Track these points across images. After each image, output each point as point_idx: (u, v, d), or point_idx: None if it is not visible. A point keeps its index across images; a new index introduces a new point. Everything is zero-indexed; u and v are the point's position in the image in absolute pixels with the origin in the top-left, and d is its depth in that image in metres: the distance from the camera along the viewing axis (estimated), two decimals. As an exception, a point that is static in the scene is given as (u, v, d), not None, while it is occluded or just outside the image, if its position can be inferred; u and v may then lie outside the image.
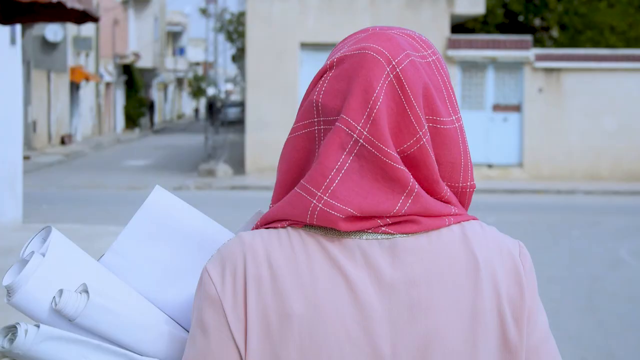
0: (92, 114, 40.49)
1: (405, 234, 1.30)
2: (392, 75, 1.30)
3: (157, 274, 1.47)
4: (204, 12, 39.21)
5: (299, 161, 1.34)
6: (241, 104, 46.95)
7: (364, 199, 1.27)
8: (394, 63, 1.31)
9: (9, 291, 1.36)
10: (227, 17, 39.24)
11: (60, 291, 1.36)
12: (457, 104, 1.37)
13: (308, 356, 1.26)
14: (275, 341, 1.26)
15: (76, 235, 9.34)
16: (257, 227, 1.35)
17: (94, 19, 7.18)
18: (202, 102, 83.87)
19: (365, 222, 1.29)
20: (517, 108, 22.77)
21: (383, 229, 1.29)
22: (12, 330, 1.34)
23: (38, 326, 1.34)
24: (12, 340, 1.34)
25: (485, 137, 22.78)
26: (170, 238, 1.50)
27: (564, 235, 13.44)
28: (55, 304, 1.35)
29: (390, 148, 1.28)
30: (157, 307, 1.45)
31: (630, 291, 9.49)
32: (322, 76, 1.36)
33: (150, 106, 52.14)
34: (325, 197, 1.27)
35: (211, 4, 26.85)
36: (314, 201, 1.27)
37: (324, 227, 1.29)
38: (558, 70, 22.54)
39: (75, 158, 30.33)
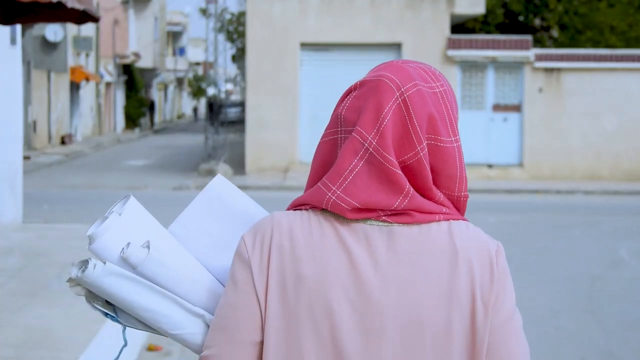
0: (92, 114, 40.49)
1: (401, 223, 1.63)
2: (400, 99, 1.62)
3: (209, 244, 1.84)
4: (204, 12, 39.21)
5: (325, 162, 1.67)
6: (241, 104, 46.95)
7: (369, 196, 1.60)
8: (402, 89, 1.63)
9: (90, 239, 1.73)
10: (227, 17, 39.23)
11: (128, 244, 1.72)
12: (457, 127, 1.69)
13: (314, 310, 1.59)
14: (289, 296, 1.61)
15: (76, 235, 9.34)
16: (288, 209, 1.71)
17: (94, 19, 7.18)
18: (201, 102, 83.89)
19: (369, 213, 1.62)
20: (517, 108, 22.77)
21: (383, 218, 1.62)
22: (84, 264, 1.73)
23: (105, 263, 1.70)
24: (83, 271, 1.71)
25: (485, 137, 22.78)
26: (223, 216, 1.86)
27: (564, 235, 13.44)
28: (123, 253, 1.72)
29: (393, 157, 1.60)
30: (206, 269, 1.81)
31: (631, 291, 9.49)
32: (347, 95, 1.70)
33: (151, 106, 52.13)
34: (338, 192, 1.60)
35: (211, 4, 26.83)
36: (329, 194, 1.61)
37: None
38: (558, 70, 22.54)
39: (76, 158, 30.33)
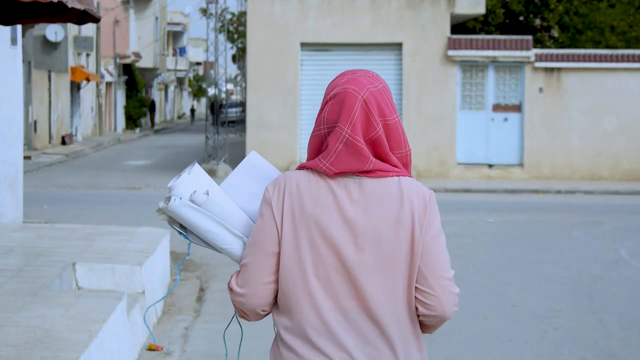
0: (92, 114, 40.49)
1: (368, 177, 2.56)
2: (361, 101, 2.57)
3: (246, 196, 2.78)
4: (204, 12, 39.20)
5: (316, 149, 2.62)
6: (242, 104, 46.93)
7: (345, 166, 2.54)
8: (361, 94, 2.57)
9: (170, 189, 2.70)
10: (228, 17, 39.24)
11: (195, 191, 2.69)
12: (395, 108, 2.61)
13: (311, 231, 2.54)
14: (296, 223, 2.55)
15: (77, 235, 9.35)
16: (297, 169, 2.62)
17: (95, 19, 7.18)
18: (198, 102, 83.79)
19: (347, 173, 2.55)
20: (517, 108, 22.77)
21: (357, 174, 2.56)
22: (168, 199, 2.69)
23: (181, 198, 2.67)
24: (167, 204, 2.68)
25: (485, 137, 22.79)
26: (256, 178, 2.80)
27: (564, 235, 13.45)
28: (191, 197, 2.68)
29: (361, 138, 2.55)
30: (244, 212, 2.76)
31: (631, 291, 9.49)
32: (326, 103, 2.62)
33: (151, 106, 52.11)
34: (327, 164, 2.55)
35: (212, 4, 26.82)
36: (321, 164, 2.56)
37: None
38: (558, 70, 22.55)
39: (76, 158, 30.34)
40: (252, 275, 2.60)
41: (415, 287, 2.58)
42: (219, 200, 2.72)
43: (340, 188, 2.56)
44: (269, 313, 2.66)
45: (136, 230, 9.83)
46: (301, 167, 2.62)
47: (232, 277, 2.68)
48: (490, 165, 22.84)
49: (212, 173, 23.13)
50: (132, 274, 7.57)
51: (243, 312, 2.68)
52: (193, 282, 9.70)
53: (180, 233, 2.76)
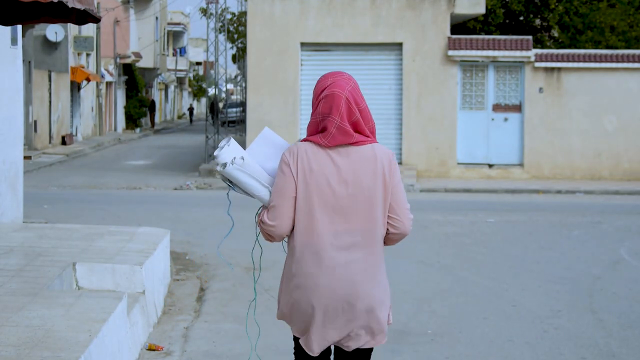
0: (92, 113, 40.48)
1: (352, 146, 3.92)
2: (345, 99, 3.90)
3: (263, 159, 4.08)
4: (204, 12, 39.19)
5: (314, 129, 3.97)
6: (242, 104, 46.94)
7: (339, 141, 3.91)
8: (344, 94, 3.91)
9: (216, 157, 4.02)
10: (228, 17, 39.23)
11: (234, 157, 3.99)
12: (363, 97, 3.97)
13: (318, 183, 3.90)
14: (307, 177, 3.90)
15: (77, 235, 9.35)
16: (302, 141, 3.94)
17: (95, 19, 7.18)
18: (198, 102, 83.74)
19: (339, 145, 3.92)
20: (517, 108, 22.77)
21: (345, 145, 3.92)
22: (224, 165, 4.00)
23: (232, 164, 3.98)
24: (223, 168, 4.01)
25: (485, 137, 22.79)
26: (269, 146, 4.11)
27: (564, 235, 13.45)
28: (233, 161, 3.99)
29: (347, 123, 3.91)
30: (265, 170, 4.04)
31: (631, 291, 9.50)
32: (319, 101, 3.94)
33: (151, 106, 52.10)
34: (325, 141, 3.91)
35: (212, 4, 26.82)
36: (322, 141, 3.92)
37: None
38: (558, 70, 22.55)
39: (76, 158, 30.34)
40: (279, 212, 3.98)
41: (388, 215, 4.02)
42: (251, 162, 4.07)
43: (335, 154, 3.96)
44: (285, 237, 4.05)
45: (136, 230, 9.83)
46: (305, 140, 4.01)
47: (263, 213, 4.03)
48: (490, 165, 22.85)
49: (212, 173, 23.18)
50: (133, 274, 7.58)
51: (271, 237, 4.05)
52: (193, 282, 9.71)
53: (229, 186, 4.13)
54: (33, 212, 14.72)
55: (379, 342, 4.06)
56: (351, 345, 4.04)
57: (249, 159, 4.05)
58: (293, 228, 4.00)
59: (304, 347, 4.06)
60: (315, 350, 4.02)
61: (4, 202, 10.65)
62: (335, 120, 3.91)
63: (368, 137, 3.97)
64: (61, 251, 8.19)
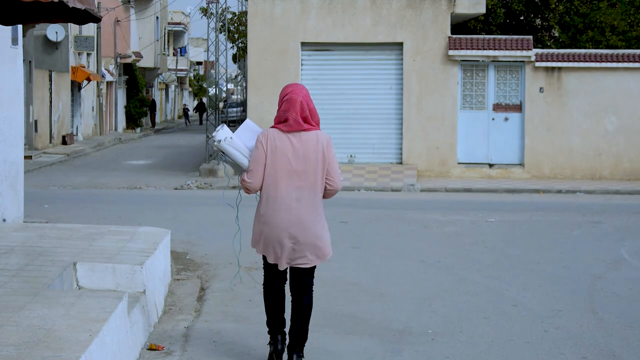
0: (93, 113, 40.48)
1: (303, 131, 6.16)
2: (299, 101, 6.16)
3: (245, 139, 6.33)
4: (205, 11, 39.16)
5: (278, 120, 6.23)
6: (242, 104, 46.93)
7: (295, 128, 6.16)
8: (299, 98, 6.17)
9: (214, 136, 6.34)
10: (229, 16, 39.20)
11: (226, 137, 6.29)
12: (311, 100, 6.26)
13: (281, 154, 6.12)
14: (273, 152, 6.14)
15: (77, 234, 9.35)
16: (271, 128, 6.24)
17: (96, 19, 7.19)
18: (195, 101, 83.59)
19: (294, 131, 6.18)
20: (518, 108, 22.77)
21: (298, 131, 6.17)
22: (219, 141, 6.29)
23: (225, 140, 6.29)
24: (219, 142, 6.29)
25: (486, 137, 22.79)
26: (251, 131, 6.38)
27: (564, 235, 13.45)
28: (226, 139, 6.27)
29: (300, 117, 6.16)
30: (246, 147, 6.29)
31: (631, 290, 9.49)
32: (283, 103, 6.20)
33: (152, 105, 52.08)
34: (286, 129, 6.17)
35: (212, 4, 26.81)
36: (284, 128, 6.18)
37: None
38: (559, 69, 22.55)
39: (77, 158, 30.35)
40: (255, 174, 6.12)
41: (325, 177, 6.14)
42: (237, 141, 6.26)
43: (292, 137, 6.10)
44: (258, 190, 6.17)
45: (137, 230, 9.83)
46: (273, 127, 6.16)
47: (244, 175, 6.14)
48: (490, 165, 22.85)
49: (212, 173, 23.18)
50: (133, 274, 7.58)
51: (248, 190, 6.19)
52: (194, 281, 9.71)
53: (222, 156, 6.38)
54: (34, 211, 14.73)
55: (320, 261, 6.23)
56: (300, 263, 6.20)
57: (236, 139, 6.30)
58: (263, 184, 6.16)
59: (268, 259, 6.28)
60: (278, 261, 6.21)
61: (4, 202, 10.65)
62: (292, 115, 6.11)
63: (313, 126, 6.15)
64: (62, 251, 8.20)
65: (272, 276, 6.33)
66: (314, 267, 6.22)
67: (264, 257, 6.29)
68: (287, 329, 6.55)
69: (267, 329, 6.42)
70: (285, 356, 6.43)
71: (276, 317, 6.34)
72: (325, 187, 6.13)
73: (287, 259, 6.13)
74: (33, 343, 5.10)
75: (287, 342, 6.39)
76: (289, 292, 6.40)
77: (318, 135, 6.09)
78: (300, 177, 6.05)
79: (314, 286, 6.39)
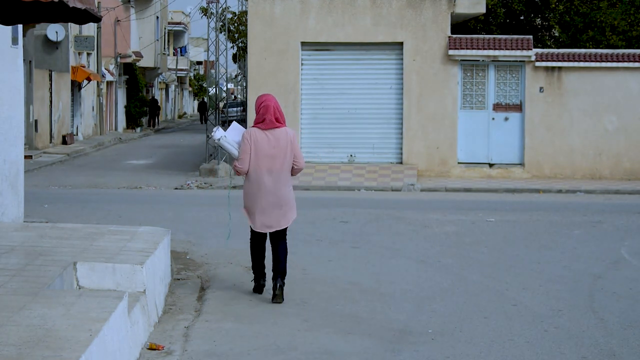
0: (93, 113, 40.48)
1: (276, 129, 8.79)
2: (272, 108, 8.81)
3: (233, 136, 8.93)
4: (205, 11, 39.17)
5: (257, 121, 8.86)
6: (242, 104, 46.94)
7: (270, 127, 8.77)
8: (272, 104, 8.84)
9: (213, 134, 9.06)
10: (229, 16, 39.21)
11: (223, 135, 8.94)
12: (280, 107, 9.02)
13: (261, 147, 8.71)
14: (255, 144, 8.73)
15: (77, 234, 9.35)
16: (252, 127, 8.88)
17: (96, 19, 7.19)
18: (200, 100, 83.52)
19: (270, 129, 8.81)
20: (518, 107, 22.77)
21: (273, 128, 8.78)
22: (219, 139, 8.96)
23: (223, 137, 8.96)
24: (218, 139, 8.95)
25: (486, 137, 22.79)
26: (237, 131, 8.98)
27: (564, 235, 13.45)
28: (222, 137, 8.93)
29: (274, 118, 8.79)
30: (235, 142, 8.92)
31: (631, 290, 9.50)
32: (260, 108, 8.87)
33: (153, 105, 52.08)
34: (264, 127, 8.78)
35: (212, 4, 26.81)
36: (262, 127, 8.79)
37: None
38: (559, 69, 22.55)
39: (77, 157, 30.35)
40: (243, 160, 8.65)
41: (293, 160, 8.71)
42: (230, 138, 8.80)
43: (268, 133, 8.67)
44: (246, 172, 8.70)
45: (137, 230, 9.84)
46: (254, 126, 8.74)
47: (235, 162, 8.68)
48: (491, 165, 22.85)
49: (213, 173, 23.18)
50: (133, 274, 7.59)
51: (239, 173, 8.70)
52: (194, 281, 9.71)
53: (220, 146, 8.99)
54: (34, 211, 14.73)
55: (289, 223, 8.75)
56: (276, 226, 8.70)
57: (229, 137, 8.82)
58: (249, 168, 8.62)
59: (253, 227, 8.74)
60: (259, 227, 8.71)
61: (4, 202, 10.66)
62: (268, 117, 8.63)
63: (282, 124, 8.68)
64: (62, 250, 8.20)
65: (256, 234, 8.87)
66: (286, 228, 8.84)
67: (251, 227, 8.89)
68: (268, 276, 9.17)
69: (253, 272, 9.07)
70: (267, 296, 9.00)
71: (258, 263, 8.94)
72: (293, 166, 8.76)
73: (267, 223, 8.71)
74: (33, 343, 5.10)
75: (265, 281, 9.03)
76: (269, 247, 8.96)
77: (287, 130, 8.73)
78: (275, 160, 8.64)
79: (286, 236, 8.93)
